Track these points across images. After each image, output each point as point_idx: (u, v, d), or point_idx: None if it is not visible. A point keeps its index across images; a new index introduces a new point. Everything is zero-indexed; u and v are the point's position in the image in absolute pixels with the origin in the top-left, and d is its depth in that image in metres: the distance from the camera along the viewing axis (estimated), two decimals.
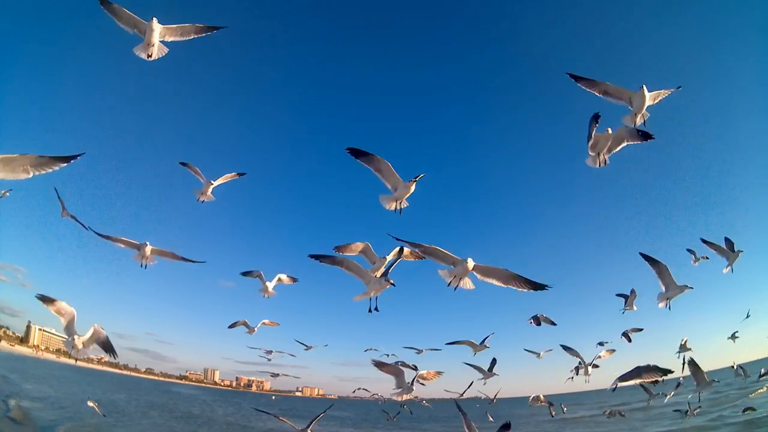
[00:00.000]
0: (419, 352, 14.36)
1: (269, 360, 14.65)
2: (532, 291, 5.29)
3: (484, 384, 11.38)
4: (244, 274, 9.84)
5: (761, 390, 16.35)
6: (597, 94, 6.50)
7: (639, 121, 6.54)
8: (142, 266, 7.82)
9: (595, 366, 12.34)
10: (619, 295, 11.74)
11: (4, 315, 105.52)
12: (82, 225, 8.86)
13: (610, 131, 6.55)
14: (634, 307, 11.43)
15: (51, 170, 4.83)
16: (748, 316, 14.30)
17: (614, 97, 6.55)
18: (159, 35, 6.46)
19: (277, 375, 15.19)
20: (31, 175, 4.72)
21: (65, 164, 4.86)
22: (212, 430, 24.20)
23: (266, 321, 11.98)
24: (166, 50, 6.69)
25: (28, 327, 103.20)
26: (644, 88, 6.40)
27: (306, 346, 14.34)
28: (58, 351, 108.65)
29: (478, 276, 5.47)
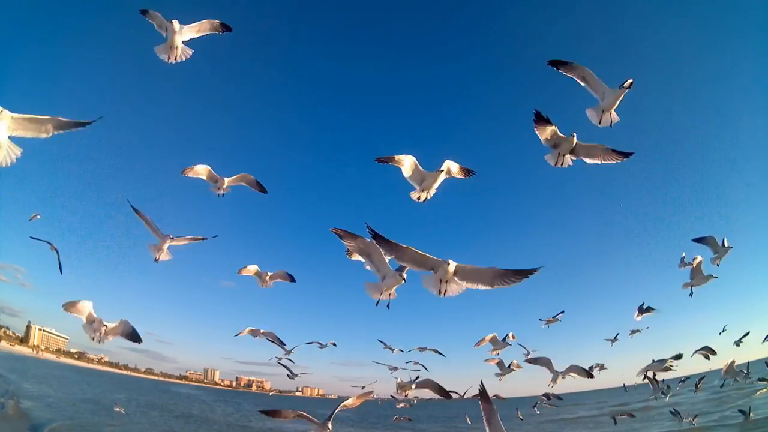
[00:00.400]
0: (423, 350, 14.34)
1: (279, 359, 14.43)
2: (523, 280, 4.23)
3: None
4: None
5: (764, 390, 16.28)
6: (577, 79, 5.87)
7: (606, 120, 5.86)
8: (155, 260, 7.70)
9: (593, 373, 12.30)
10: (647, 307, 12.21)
11: (4, 315, 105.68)
12: (59, 267, 9.00)
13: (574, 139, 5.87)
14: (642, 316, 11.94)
15: (66, 131, 5.16)
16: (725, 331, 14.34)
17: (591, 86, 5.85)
18: (181, 37, 6.35)
19: (296, 375, 14.88)
20: (50, 135, 5.07)
21: (82, 127, 5.20)
22: (212, 430, 24.18)
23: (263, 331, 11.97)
24: (190, 52, 6.53)
25: (28, 327, 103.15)
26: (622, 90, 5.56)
27: (321, 344, 14.13)
28: (58, 351, 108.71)
29: (459, 280, 4.45)
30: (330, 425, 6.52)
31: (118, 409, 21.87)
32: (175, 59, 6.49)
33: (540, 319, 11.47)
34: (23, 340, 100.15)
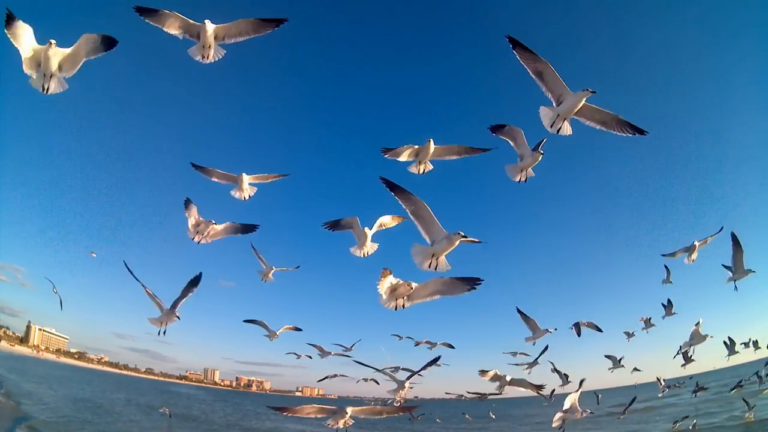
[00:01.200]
0: (432, 346, 13.98)
1: (297, 357, 14.18)
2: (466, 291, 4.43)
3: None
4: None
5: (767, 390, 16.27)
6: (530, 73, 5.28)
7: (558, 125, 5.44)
8: (197, 241, 7.42)
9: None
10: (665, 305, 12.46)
11: (4, 315, 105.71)
12: (60, 303, 9.56)
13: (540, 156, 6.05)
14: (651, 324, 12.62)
15: (101, 54, 5.44)
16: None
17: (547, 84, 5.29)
18: (214, 37, 5.99)
19: (335, 375, 14.76)
20: (92, 57, 5.43)
21: (110, 49, 5.44)
22: (212, 430, 24.19)
23: (288, 326, 11.68)
24: (223, 52, 6.24)
25: (28, 327, 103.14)
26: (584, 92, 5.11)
27: (344, 348, 13.68)
28: (58, 351, 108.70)
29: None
30: (349, 411, 6.28)
31: (162, 410, 24.06)
32: (209, 59, 6.19)
33: (570, 327, 11.25)
34: (23, 340, 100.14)
